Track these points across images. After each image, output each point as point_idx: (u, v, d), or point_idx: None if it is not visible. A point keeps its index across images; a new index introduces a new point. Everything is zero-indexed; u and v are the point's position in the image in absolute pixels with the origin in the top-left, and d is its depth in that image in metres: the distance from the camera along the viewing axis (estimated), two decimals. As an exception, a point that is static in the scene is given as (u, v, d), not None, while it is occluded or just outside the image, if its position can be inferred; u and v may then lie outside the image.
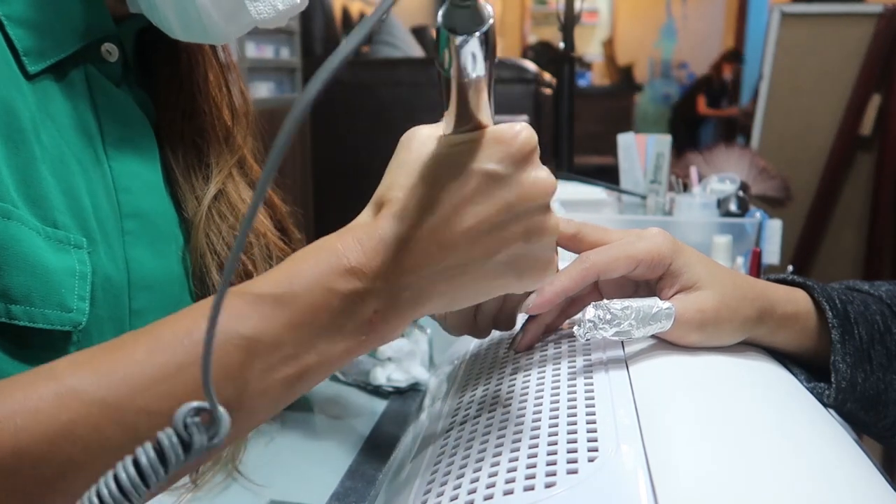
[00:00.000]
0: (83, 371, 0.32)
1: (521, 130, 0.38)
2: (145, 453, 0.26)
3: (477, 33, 0.33)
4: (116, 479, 0.26)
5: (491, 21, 0.33)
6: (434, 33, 0.34)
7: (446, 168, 0.37)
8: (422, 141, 0.39)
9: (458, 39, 0.33)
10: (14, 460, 0.30)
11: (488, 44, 0.34)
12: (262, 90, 1.97)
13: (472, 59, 0.33)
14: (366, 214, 0.39)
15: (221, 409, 0.27)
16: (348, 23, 2.89)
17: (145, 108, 0.57)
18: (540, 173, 0.39)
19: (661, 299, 0.46)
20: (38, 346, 0.44)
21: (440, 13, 0.33)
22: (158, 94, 0.59)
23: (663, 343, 0.47)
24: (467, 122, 0.37)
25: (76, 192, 0.48)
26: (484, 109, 0.37)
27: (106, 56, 0.53)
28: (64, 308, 0.45)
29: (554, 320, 0.53)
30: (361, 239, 0.36)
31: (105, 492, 0.26)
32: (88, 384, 0.32)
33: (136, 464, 0.26)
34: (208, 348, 0.26)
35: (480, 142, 0.37)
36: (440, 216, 0.37)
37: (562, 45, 1.93)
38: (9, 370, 0.42)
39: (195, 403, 0.27)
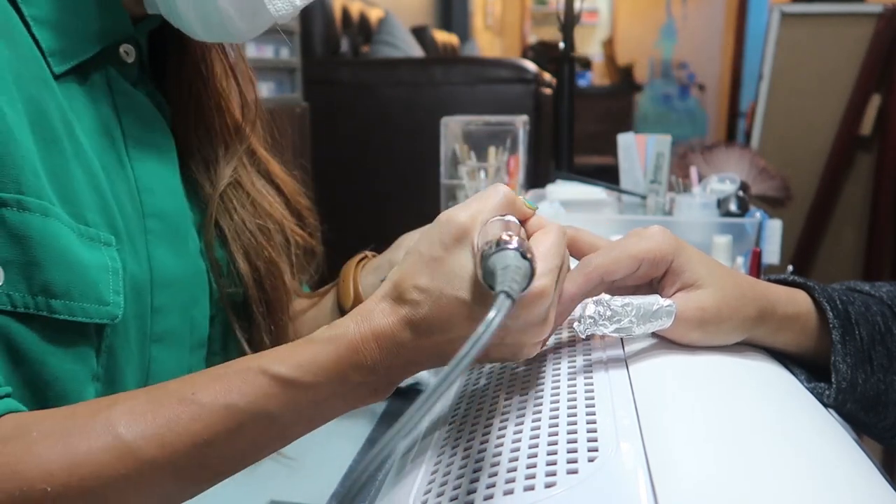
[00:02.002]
0: (137, 426, 0.38)
1: (543, 293, 0.39)
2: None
3: (514, 297, 0.34)
4: None
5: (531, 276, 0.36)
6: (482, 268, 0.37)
7: (471, 304, 0.40)
8: (456, 240, 0.40)
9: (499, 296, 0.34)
10: (82, 501, 0.36)
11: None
12: (263, 90, 1.97)
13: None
14: (384, 301, 0.42)
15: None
16: (348, 23, 2.89)
17: (160, 108, 0.58)
18: (543, 328, 0.42)
19: (661, 297, 0.46)
20: (73, 337, 0.46)
21: (482, 272, 0.36)
22: (169, 89, 0.60)
23: (663, 342, 0.47)
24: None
25: (103, 192, 0.49)
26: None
27: (124, 57, 0.54)
28: (101, 302, 0.47)
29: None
30: (378, 340, 0.41)
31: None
32: (143, 441, 0.38)
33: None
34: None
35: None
36: (453, 337, 0.41)
37: (562, 45, 1.93)
38: (48, 360, 0.45)
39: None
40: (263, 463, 0.59)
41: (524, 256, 0.35)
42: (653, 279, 0.49)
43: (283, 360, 0.41)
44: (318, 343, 0.41)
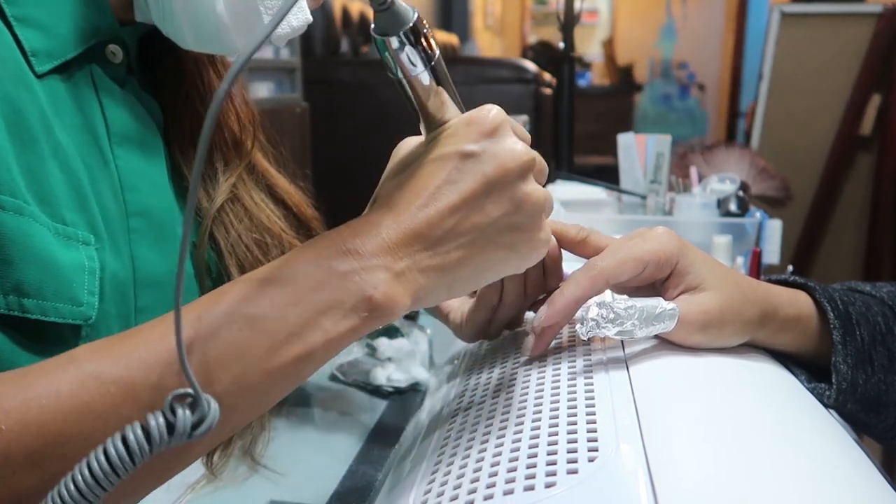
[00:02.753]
0: (100, 354, 0.34)
1: (487, 109, 0.41)
2: (132, 431, 0.28)
3: (401, 32, 0.37)
4: (106, 454, 0.28)
5: (414, 17, 0.38)
6: (376, 44, 0.39)
7: (424, 158, 0.41)
8: (407, 146, 0.44)
9: (390, 41, 0.37)
10: (39, 442, 0.32)
11: (419, 39, 0.38)
12: (263, 90, 1.97)
13: (409, 56, 0.38)
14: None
15: (207, 397, 0.29)
16: (348, 23, 2.88)
17: (150, 110, 0.57)
18: (515, 145, 0.41)
19: (665, 299, 0.46)
20: (49, 339, 0.45)
21: (372, 24, 0.37)
22: (166, 101, 0.60)
23: (664, 343, 0.47)
24: (438, 124, 0.41)
25: (83, 190, 0.49)
26: (448, 107, 0.41)
27: (110, 57, 0.54)
28: (75, 302, 0.46)
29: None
30: (353, 226, 0.39)
31: (95, 465, 0.28)
32: (105, 366, 0.34)
33: (125, 440, 0.28)
34: (178, 328, 0.28)
35: (451, 129, 0.41)
36: (423, 198, 0.39)
37: (562, 45, 1.93)
38: (21, 362, 0.43)
39: (180, 390, 0.29)
40: (263, 463, 0.59)
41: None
42: (656, 280, 0.49)
43: (262, 267, 0.38)
44: (295, 249, 0.39)
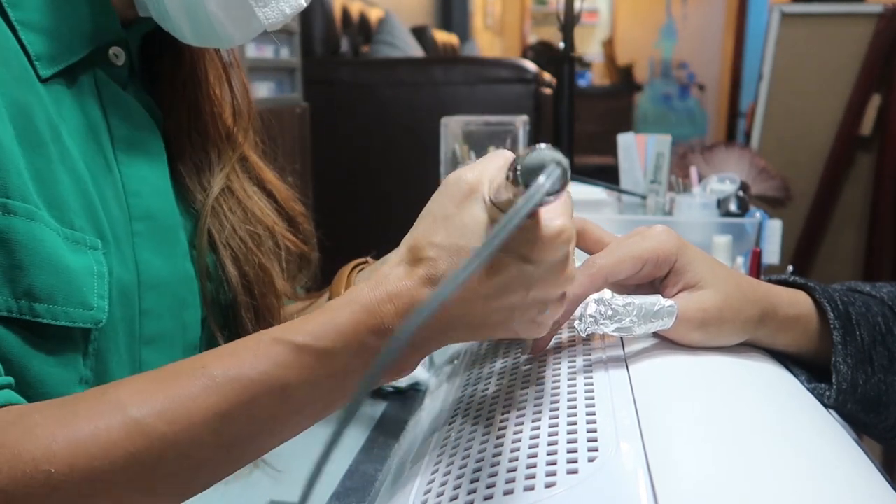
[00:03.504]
0: (143, 401, 0.36)
1: (562, 230, 0.39)
2: None
3: (559, 189, 0.33)
4: None
5: (563, 165, 0.33)
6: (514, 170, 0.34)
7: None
8: (466, 195, 0.40)
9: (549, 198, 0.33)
10: (88, 485, 0.35)
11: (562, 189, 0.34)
12: (262, 90, 1.96)
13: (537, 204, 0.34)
14: (399, 265, 0.41)
15: None
16: (348, 23, 2.89)
17: (151, 111, 0.57)
18: (567, 271, 0.41)
19: (663, 297, 0.46)
20: (59, 342, 0.45)
21: (518, 168, 0.33)
22: (162, 94, 0.60)
23: (663, 342, 0.47)
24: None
25: (90, 195, 0.49)
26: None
27: (113, 60, 0.54)
28: (85, 306, 0.46)
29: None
30: (395, 300, 0.39)
31: None
32: (150, 418, 0.36)
33: None
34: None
35: (526, 233, 0.38)
36: (472, 291, 0.39)
37: (562, 45, 1.93)
38: (34, 363, 0.44)
39: None
40: (263, 465, 0.59)
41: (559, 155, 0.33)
42: (655, 279, 0.49)
43: (297, 328, 0.39)
44: (332, 309, 0.39)
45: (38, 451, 0.34)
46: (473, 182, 0.40)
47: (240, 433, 0.38)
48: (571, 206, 0.42)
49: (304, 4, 0.55)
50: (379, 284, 0.40)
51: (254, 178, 0.65)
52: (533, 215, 0.38)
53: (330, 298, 0.64)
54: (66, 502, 0.34)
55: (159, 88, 0.60)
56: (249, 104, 0.65)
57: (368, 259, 0.66)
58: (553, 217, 0.39)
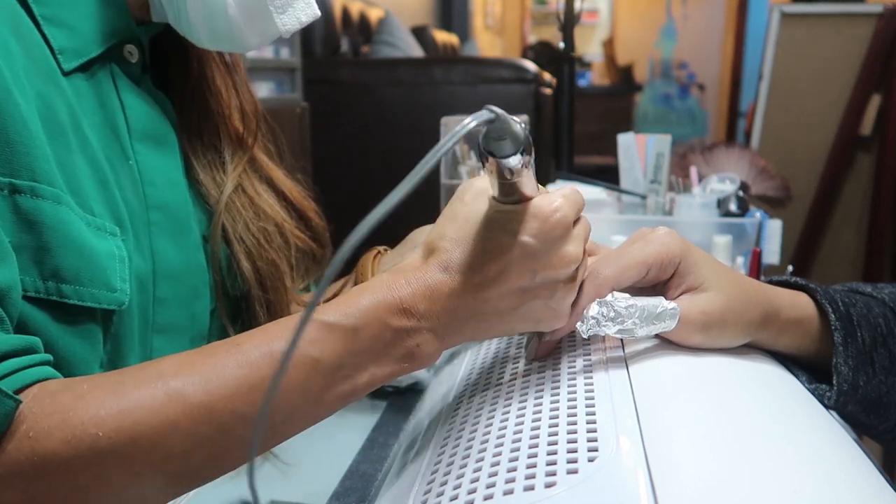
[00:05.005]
0: (185, 373, 0.39)
1: (557, 209, 0.43)
2: None
3: (513, 157, 0.38)
4: None
5: (527, 138, 0.38)
6: (477, 145, 0.39)
7: (491, 233, 0.43)
8: (475, 195, 0.45)
9: (501, 161, 0.38)
10: (130, 448, 0.37)
11: (525, 152, 0.38)
12: (262, 90, 1.96)
13: (509, 170, 0.39)
14: (417, 255, 0.45)
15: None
16: (348, 23, 2.89)
17: (163, 107, 0.59)
18: (567, 249, 0.43)
19: (666, 299, 0.46)
20: (82, 322, 0.47)
21: (480, 139, 0.38)
22: (174, 96, 0.62)
23: (664, 343, 0.47)
24: (513, 195, 0.43)
25: (108, 184, 0.51)
26: (527, 185, 0.42)
27: (128, 57, 0.56)
28: (109, 288, 0.48)
29: None
30: (411, 282, 0.42)
31: None
32: (191, 387, 0.39)
33: None
34: (261, 425, 0.32)
35: (523, 214, 0.43)
36: (479, 275, 0.43)
37: (562, 45, 1.93)
38: (57, 343, 0.46)
39: None
40: (263, 464, 0.59)
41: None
42: (659, 282, 0.49)
43: (325, 308, 0.42)
44: (355, 293, 0.42)
45: (87, 416, 0.37)
46: (480, 185, 0.45)
47: (273, 406, 0.40)
48: (581, 202, 0.46)
49: (318, 14, 0.58)
50: (397, 271, 0.43)
51: (263, 178, 0.68)
52: (524, 197, 0.43)
53: (356, 283, 0.65)
54: (109, 464, 0.37)
55: (171, 90, 0.62)
56: (256, 108, 0.68)
57: (380, 249, 0.68)
58: (552, 199, 0.43)
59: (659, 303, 0.45)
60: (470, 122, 0.34)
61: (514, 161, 0.38)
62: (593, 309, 0.45)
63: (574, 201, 0.45)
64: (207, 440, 0.39)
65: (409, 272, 0.43)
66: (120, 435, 0.37)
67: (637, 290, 0.50)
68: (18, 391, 0.38)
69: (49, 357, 0.42)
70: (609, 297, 0.45)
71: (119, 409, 0.37)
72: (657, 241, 0.47)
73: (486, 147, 0.38)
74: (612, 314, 0.45)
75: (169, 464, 0.38)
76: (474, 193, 0.45)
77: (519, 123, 0.38)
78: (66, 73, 0.50)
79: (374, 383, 0.43)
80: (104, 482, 0.37)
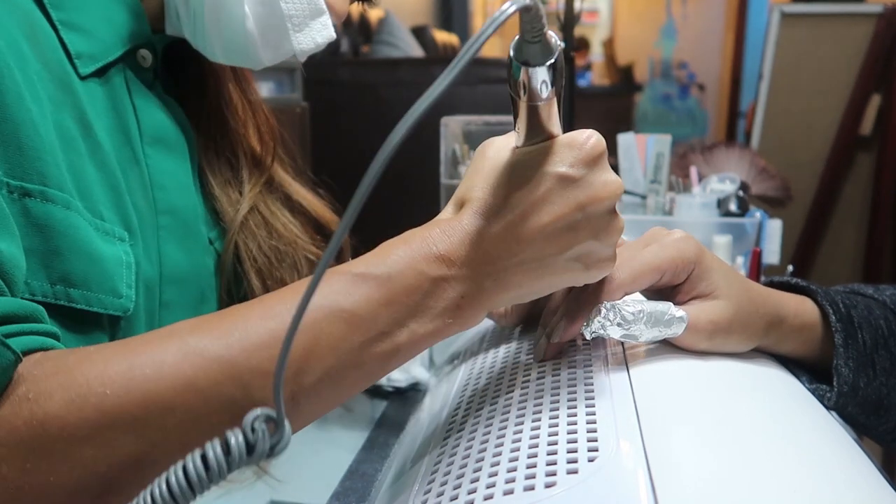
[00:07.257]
0: (203, 331, 0.35)
1: (590, 136, 0.41)
2: (213, 448, 0.28)
3: (546, 64, 0.36)
4: (185, 469, 0.27)
5: (559, 51, 0.37)
6: (508, 63, 0.38)
7: (522, 171, 0.40)
8: (497, 149, 0.42)
9: (531, 70, 0.36)
10: (142, 410, 0.33)
11: (556, 69, 0.37)
12: (263, 90, 1.97)
13: (543, 85, 0.37)
14: (447, 212, 0.42)
15: (287, 423, 0.29)
16: (348, 23, 2.89)
17: (174, 113, 0.59)
18: (609, 176, 0.41)
19: (675, 303, 0.45)
20: (88, 327, 0.47)
21: (512, 46, 0.37)
22: (190, 112, 0.62)
23: (664, 344, 0.47)
24: (539, 135, 0.41)
25: (119, 189, 0.51)
26: (554, 122, 0.40)
27: (141, 62, 0.56)
28: (116, 294, 0.48)
29: None
30: (447, 231, 0.39)
31: (173, 480, 0.27)
32: (209, 343, 0.35)
33: (204, 457, 0.27)
34: (285, 353, 0.27)
35: (553, 148, 0.40)
36: (517, 213, 0.39)
37: (562, 44, 1.93)
38: (65, 347, 0.43)
39: (265, 411, 0.29)
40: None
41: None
42: (670, 286, 0.48)
43: (354, 262, 0.39)
44: (385, 245, 0.40)
45: (93, 374, 0.33)
46: (501, 141, 0.43)
47: (303, 365, 0.36)
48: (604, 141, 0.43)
49: (334, 36, 0.58)
50: (430, 224, 0.41)
51: (279, 195, 0.67)
52: (551, 135, 0.41)
53: None
54: (119, 427, 0.33)
55: (187, 106, 0.62)
56: (272, 128, 0.68)
57: None
58: (581, 131, 0.41)
59: (667, 309, 0.44)
60: (509, 6, 0.34)
61: (546, 74, 0.37)
62: (600, 312, 0.44)
63: (601, 136, 0.42)
64: (229, 401, 0.34)
65: (443, 223, 0.40)
66: (130, 395, 0.33)
67: (645, 290, 0.50)
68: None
69: (54, 329, 0.39)
70: (617, 301, 0.45)
71: (129, 366, 0.33)
72: (673, 246, 0.46)
73: (520, 57, 0.36)
74: (618, 319, 0.44)
75: (186, 430, 0.34)
76: (496, 148, 0.42)
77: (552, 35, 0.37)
78: (82, 78, 0.50)
79: (416, 343, 0.39)
80: (114, 448, 0.33)
